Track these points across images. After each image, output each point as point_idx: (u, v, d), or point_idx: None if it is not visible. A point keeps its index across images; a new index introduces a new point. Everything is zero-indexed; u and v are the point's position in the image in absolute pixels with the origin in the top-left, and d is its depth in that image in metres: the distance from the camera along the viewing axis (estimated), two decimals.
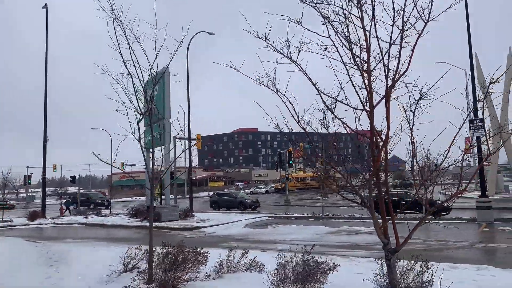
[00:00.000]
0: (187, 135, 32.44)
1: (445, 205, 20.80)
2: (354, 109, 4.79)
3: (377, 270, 5.75)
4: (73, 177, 34.06)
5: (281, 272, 5.54)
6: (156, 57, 7.88)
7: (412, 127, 4.59)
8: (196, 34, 30.84)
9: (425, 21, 4.35)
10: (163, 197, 24.99)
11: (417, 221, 5.04)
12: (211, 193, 68.26)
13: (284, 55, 4.86)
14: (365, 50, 4.58)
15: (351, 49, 4.57)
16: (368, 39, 4.63)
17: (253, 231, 19.15)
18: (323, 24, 4.48)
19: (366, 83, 4.62)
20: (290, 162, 37.57)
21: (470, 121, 17.64)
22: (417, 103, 4.45)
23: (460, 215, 20.58)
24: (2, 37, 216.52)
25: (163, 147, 24.38)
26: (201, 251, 7.85)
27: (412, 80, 4.90)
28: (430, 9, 4.31)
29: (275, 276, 5.57)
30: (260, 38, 4.83)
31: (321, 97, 4.85)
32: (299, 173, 63.83)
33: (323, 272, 5.75)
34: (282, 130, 5.01)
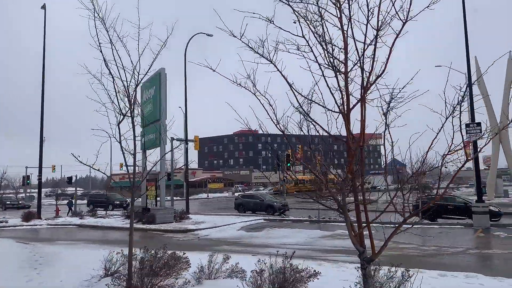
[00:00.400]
0: (188, 137, 32.47)
1: (496, 210, 20.23)
2: (331, 112, 4.61)
3: (357, 279, 5.55)
4: (69, 178, 33.91)
5: (257, 280, 5.35)
6: (139, 57, 7.72)
7: (385, 130, 4.40)
8: (194, 35, 30.74)
9: (403, 20, 4.16)
10: (158, 198, 24.83)
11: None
12: (210, 195, 68.15)
13: (260, 55, 4.69)
14: (343, 50, 4.39)
15: (326, 49, 4.38)
16: (346, 39, 4.45)
17: (247, 234, 18.98)
18: (294, 22, 4.30)
19: (342, 85, 4.43)
20: (288, 164, 37.30)
21: (467, 125, 17.44)
22: (389, 106, 4.26)
23: (457, 219, 20.36)
24: (1, 37, 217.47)
25: (154, 149, 24.29)
26: (183, 256, 7.66)
27: (393, 82, 4.75)
28: (409, 9, 4.13)
29: (250, 284, 5.38)
30: (235, 36, 4.66)
31: (296, 99, 4.67)
32: (298, 176, 63.54)
33: (301, 280, 5.55)
34: (254, 132, 4.81)
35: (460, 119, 4.04)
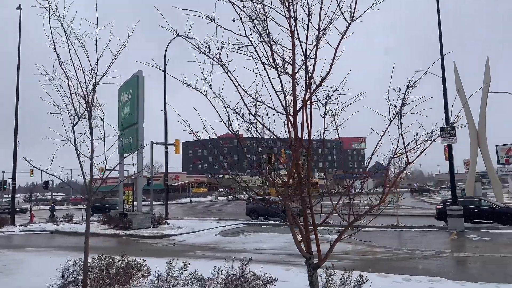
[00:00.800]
0: (170, 140, 32.00)
1: None
2: (280, 114, 4.48)
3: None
4: (45, 183, 33.05)
5: None
6: (98, 58, 7.48)
7: (324, 133, 4.28)
8: (173, 38, 30.49)
9: (348, 21, 4.06)
10: (135, 203, 24.35)
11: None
12: (193, 199, 67.39)
13: (206, 55, 4.53)
14: (285, 49, 4.26)
15: (270, 47, 4.24)
16: (293, 39, 4.33)
17: (223, 239, 18.74)
18: (233, 21, 4.15)
19: (285, 87, 4.31)
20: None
21: (441, 129, 17.62)
22: (326, 108, 4.16)
23: (434, 222, 20.51)
24: None
25: (133, 153, 23.90)
26: (143, 264, 7.41)
27: (349, 86, 4.65)
28: (354, 9, 4.04)
29: None
30: (179, 36, 4.49)
31: (243, 100, 4.51)
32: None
33: (256, 287, 5.37)
34: (197, 135, 4.65)
35: (400, 122, 3.95)
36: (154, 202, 42.76)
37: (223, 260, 12.16)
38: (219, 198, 70.55)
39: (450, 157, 17.91)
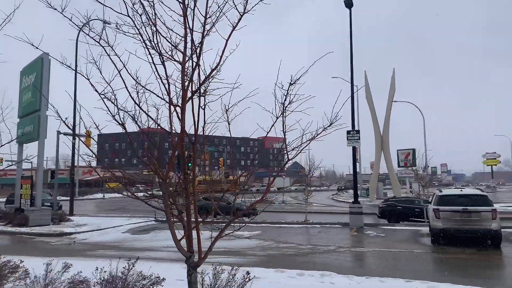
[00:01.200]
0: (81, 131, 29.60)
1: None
2: (171, 104, 4.23)
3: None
4: None
5: None
6: None
7: (204, 126, 4.19)
8: (89, 21, 28.25)
9: (241, 13, 3.98)
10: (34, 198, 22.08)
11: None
12: (107, 195, 63.37)
13: (85, 33, 4.12)
14: (182, 38, 4.02)
15: (156, 30, 3.96)
16: (186, 25, 4.11)
17: (131, 237, 17.86)
18: None
19: (174, 75, 4.09)
20: (189, 164, 36.39)
21: (348, 132, 18.83)
22: (205, 100, 4.07)
23: (339, 219, 21.83)
24: None
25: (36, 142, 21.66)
26: (19, 265, 6.60)
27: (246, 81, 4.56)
28: (247, 1, 3.96)
29: None
30: (55, 9, 4.00)
31: (126, 86, 4.18)
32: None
33: None
34: (69, 125, 4.22)
35: (284, 119, 3.98)
36: (63, 198, 39.38)
37: (124, 259, 11.59)
38: (136, 194, 67.38)
39: (353, 159, 19.25)
